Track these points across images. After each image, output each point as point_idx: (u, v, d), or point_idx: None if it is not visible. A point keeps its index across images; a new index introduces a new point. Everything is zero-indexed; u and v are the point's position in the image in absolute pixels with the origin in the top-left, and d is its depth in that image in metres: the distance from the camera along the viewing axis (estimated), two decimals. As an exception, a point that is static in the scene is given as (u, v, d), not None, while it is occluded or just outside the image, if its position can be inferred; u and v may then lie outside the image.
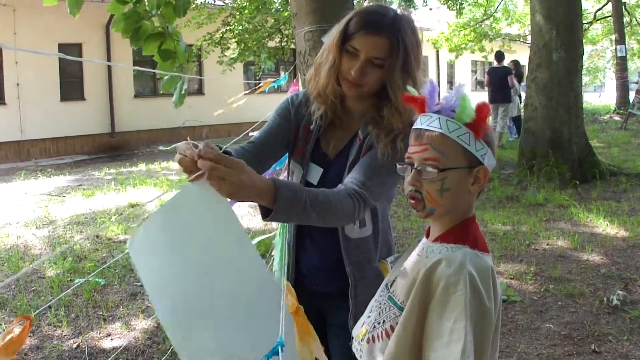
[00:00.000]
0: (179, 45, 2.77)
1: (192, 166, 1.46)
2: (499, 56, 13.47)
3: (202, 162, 1.41)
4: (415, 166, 1.47)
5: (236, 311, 1.52)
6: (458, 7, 18.21)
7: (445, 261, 1.38)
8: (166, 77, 2.86)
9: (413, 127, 1.51)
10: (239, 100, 4.12)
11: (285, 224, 1.98)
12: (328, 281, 2.05)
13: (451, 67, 28.29)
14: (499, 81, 12.85)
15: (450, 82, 27.18)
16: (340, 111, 2.00)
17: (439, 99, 1.49)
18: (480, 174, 1.45)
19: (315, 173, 2.01)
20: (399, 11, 1.87)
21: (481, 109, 1.42)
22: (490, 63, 20.61)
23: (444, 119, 1.43)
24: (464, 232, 1.48)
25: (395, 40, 1.80)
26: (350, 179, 1.83)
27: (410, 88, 1.56)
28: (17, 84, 14.23)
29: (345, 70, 1.84)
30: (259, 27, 13.92)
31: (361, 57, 1.81)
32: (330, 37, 1.89)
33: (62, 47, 14.66)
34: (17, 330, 1.37)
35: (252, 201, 1.55)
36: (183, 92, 2.92)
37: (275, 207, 1.52)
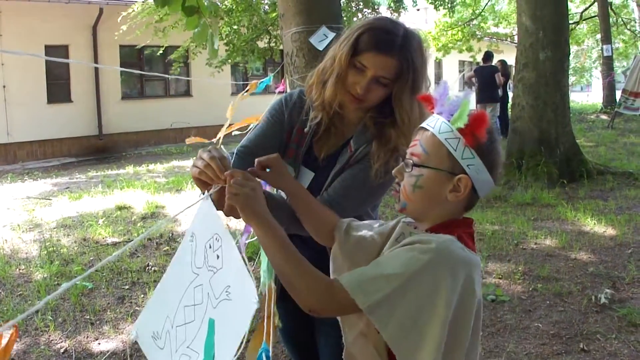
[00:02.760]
0: (202, 0, 2.84)
1: (210, 180, 1.54)
2: (487, 56, 13.53)
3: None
4: (404, 159, 1.49)
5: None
6: (449, 6, 18.25)
7: (419, 242, 1.36)
8: (197, 29, 2.91)
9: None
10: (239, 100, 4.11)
11: None
12: None
13: (439, 67, 28.38)
14: (487, 80, 12.90)
15: (438, 83, 27.22)
16: (336, 117, 2.00)
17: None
18: (461, 183, 1.42)
19: (307, 177, 2.02)
20: (408, 28, 1.88)
21: (476, 118, 1.41)
22: (478, 63, 20.68)
23: (440, 121, 1.44)
24: (453, 228, 1.46)
25: (405, 62, 1.82)
26: (329, 195, 1.90)
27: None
28: (4, 86, 14.15)
29: (350, 84, 1.86)
30: (247, 28, 13.89)
31: (368, 75, 1.82)
32: (337, 47, 1.89)
33: (49, 49, 14.59)
34: (5, 335, 1.35)
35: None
36: (216, 46, 2.97)
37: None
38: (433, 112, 1.49)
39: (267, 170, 1.73)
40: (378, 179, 1.89)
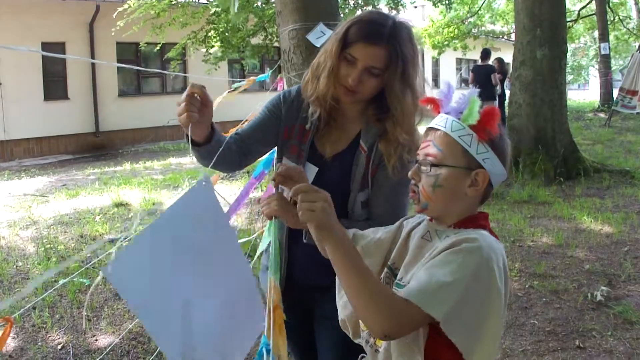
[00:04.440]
0: None
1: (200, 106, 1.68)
2: (485, 54, 13.53)
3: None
4: (418, 160, 1.52)
5: (221, 310, 1.53)
6: (447, 2, 18.24)
7: (465, 242, 1.38)
8: None
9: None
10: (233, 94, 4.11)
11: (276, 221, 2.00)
12: (320, 274, 2.05)
13: (436, 65, 28.38)
14: (483, 79, 12.91)
15: (435, 80, 27.23)
16: (335, 112, 2.04)
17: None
18: (478, 177, 1.46)
19: (311, 173, 2.05)
20: (397, 19, 1.91)
21: (487, 112, 1.44)
22: (475, 61, 20.67)
23: (450, 119, 1.47)
24: (479, 221, 1.51)
25: (394, 51, 1.85)
26: (380, 215, 1.98)
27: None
28: (0, 83, 14.11)
29: (343, 77, 1.89)
30: (241, 26, 13.86)
31: (359, 66, 1.86)
32: (329, 42, 1.94)
33: (46, 46, 14.54)
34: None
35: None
36: (236, 9, 2.93)
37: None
38: (439, 113, 1.52)
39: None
40: (396, 174, 1.94)
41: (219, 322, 1.53)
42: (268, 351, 1.14)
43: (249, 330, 1.65)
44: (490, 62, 13.46)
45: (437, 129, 1.49)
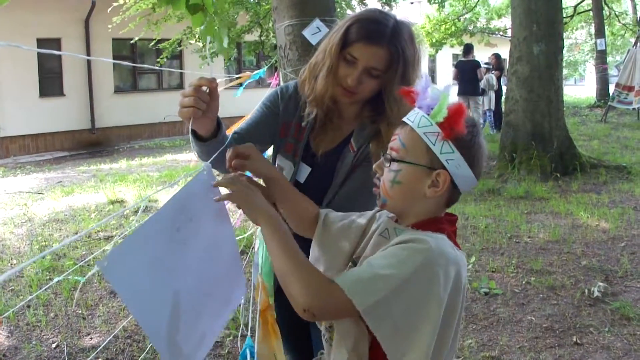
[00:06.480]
0: None
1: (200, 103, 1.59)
2: (467, 49, 13.55)
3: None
4: (383, 154, 1.47)
5: (208, 300, 1.54)
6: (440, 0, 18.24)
7: (413, 241, 1.33)
8: (202, 26, 2.83)
9: None
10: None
11: None
12: None
13: (432, 62, 28.34)
14: (468, 74, 12.93)
15: (432, 77, 27.03)
16: (332, 113, 2.00)
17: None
18: (439, 178, 1.38)
19: (304, 172, 2.04)
20: (398, 18, 1.87)
21: (454, 110, 1.37)
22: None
23: (420, 114, 1.41)
24: (441, 224, 1.44)
25: (395, 52, 1.81)
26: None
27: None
28: (-4, 80, 14.07)
29: (342, 77, 1.85)
30: (236, 21, 13.82)
31: (359, 67, 1.82)
32: (327, 41, 1.90)
33: (41, 42, 14.49)
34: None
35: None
36: (225, 44, 2.88)
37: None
38: (415, 106, 1.45)
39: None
40: None
41: (204, 303, 1.52)
42: (252, 353, 1.12)
43: (229, 305, 1.66)
44: (474, 58, 13.49)
45: (406, 124, 1.43)
